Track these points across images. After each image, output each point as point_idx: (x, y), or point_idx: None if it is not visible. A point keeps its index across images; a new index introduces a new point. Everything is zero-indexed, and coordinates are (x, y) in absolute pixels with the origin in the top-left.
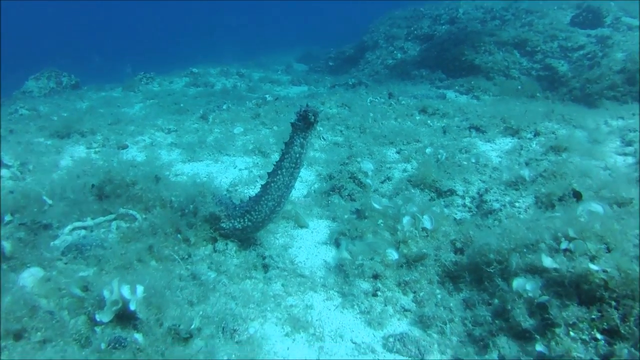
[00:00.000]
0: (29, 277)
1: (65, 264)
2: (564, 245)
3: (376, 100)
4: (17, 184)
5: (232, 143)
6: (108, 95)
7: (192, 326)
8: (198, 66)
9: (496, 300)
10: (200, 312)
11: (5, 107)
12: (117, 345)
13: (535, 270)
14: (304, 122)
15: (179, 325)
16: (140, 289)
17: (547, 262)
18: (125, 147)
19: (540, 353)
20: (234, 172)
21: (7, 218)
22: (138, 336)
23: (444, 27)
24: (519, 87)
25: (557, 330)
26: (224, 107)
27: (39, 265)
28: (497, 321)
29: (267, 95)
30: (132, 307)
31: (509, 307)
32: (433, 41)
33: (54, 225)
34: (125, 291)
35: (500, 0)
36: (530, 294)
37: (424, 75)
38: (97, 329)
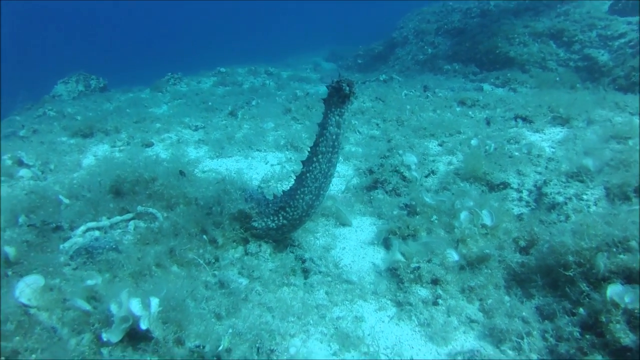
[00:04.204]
0: (26, 287)
1: (74, 269)
2: None
3: (411, 93)
4: (37, 184)
5: (263, 138)
6: (136, 96)
7: (220, 347)
8: (225, 66)
9: (582, 310)
10: (231, 329)
11: (34, 110)
12: None
13: (629, 273)
14: (338, 95)
15: (204, 347)
16: (155, 302)
17: None
18: (150, 144)
19: None
20: (265, 168)
21: (22, 219)
22: None
23: (475, 20)
24: (557, 78)
25: None
26: (253, 103)
27: (43, 272)
28: (587, 336)
29: (297, 91)
30: (144, 325)
31: (603, 319)
32: (464, 35)
33: (66, 227)
34: (136, 306)
35: None
36: (629, 306)
37: (457, 69)
38: (104, 351)
